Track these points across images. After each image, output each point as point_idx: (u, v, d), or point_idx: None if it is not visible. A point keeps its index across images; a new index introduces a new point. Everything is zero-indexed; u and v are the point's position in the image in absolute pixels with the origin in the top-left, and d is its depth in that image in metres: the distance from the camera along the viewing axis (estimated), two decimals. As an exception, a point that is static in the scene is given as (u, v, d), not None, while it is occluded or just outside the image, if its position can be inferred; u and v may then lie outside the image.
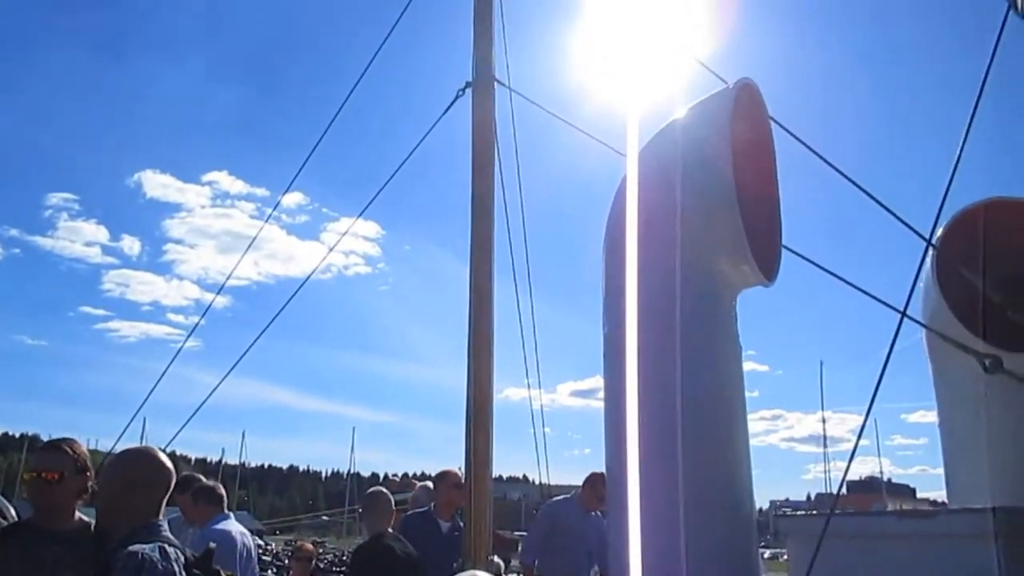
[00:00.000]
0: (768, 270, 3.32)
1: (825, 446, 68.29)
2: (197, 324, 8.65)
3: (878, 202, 3.89)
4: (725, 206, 3.05)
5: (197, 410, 5.92)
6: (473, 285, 5.51)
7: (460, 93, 5.47)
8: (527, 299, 6.44)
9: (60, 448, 3.09)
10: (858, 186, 3.89)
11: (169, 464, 2.92)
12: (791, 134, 3.92)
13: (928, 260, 4.19)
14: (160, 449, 3.12)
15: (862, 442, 3.76)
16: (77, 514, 3.15)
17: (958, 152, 3.39)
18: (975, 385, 4.02)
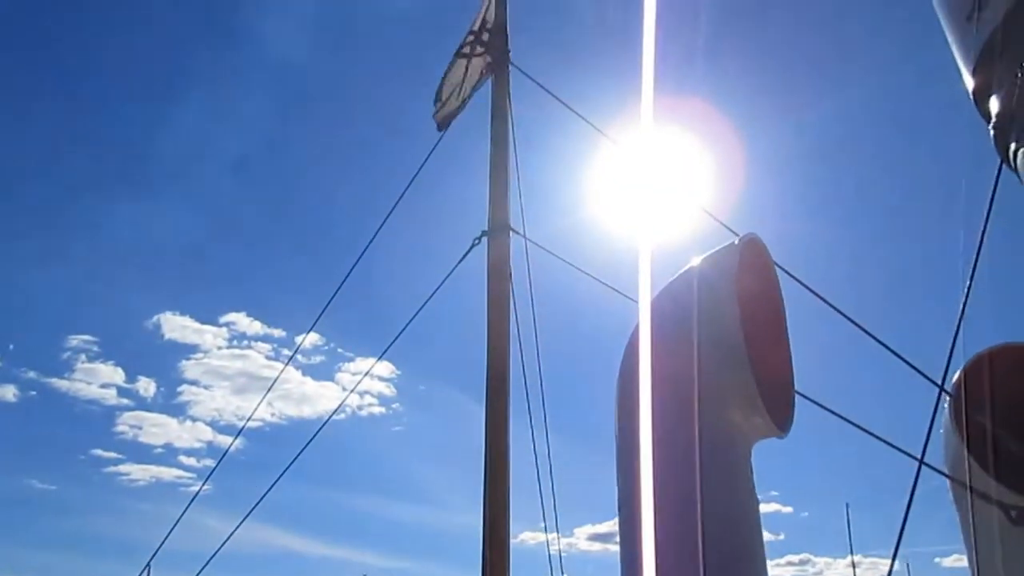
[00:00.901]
0: (782, 422, 3.32)
1: (857, 593, 64.86)
2: (211, 473, 8.68)
3: (889, 349, 3.92)
4: (735, 360, 3.10)
5: (207, 563, 5.82)
6: (488, 426, 5.51)
7: (476, 241, 5.67)
8: (543, 440, 6.40)
9: None
10: (869, 333, 3.95)
11: None
12: (800, 282, 4.02)
13: (945, 406, 4.17)
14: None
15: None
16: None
17: (963, 300, 3.45)
18: (1001, 534, 3.91)
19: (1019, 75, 3.30)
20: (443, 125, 6.85)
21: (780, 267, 3.81)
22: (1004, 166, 3.66)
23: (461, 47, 6.75)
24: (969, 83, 3.55)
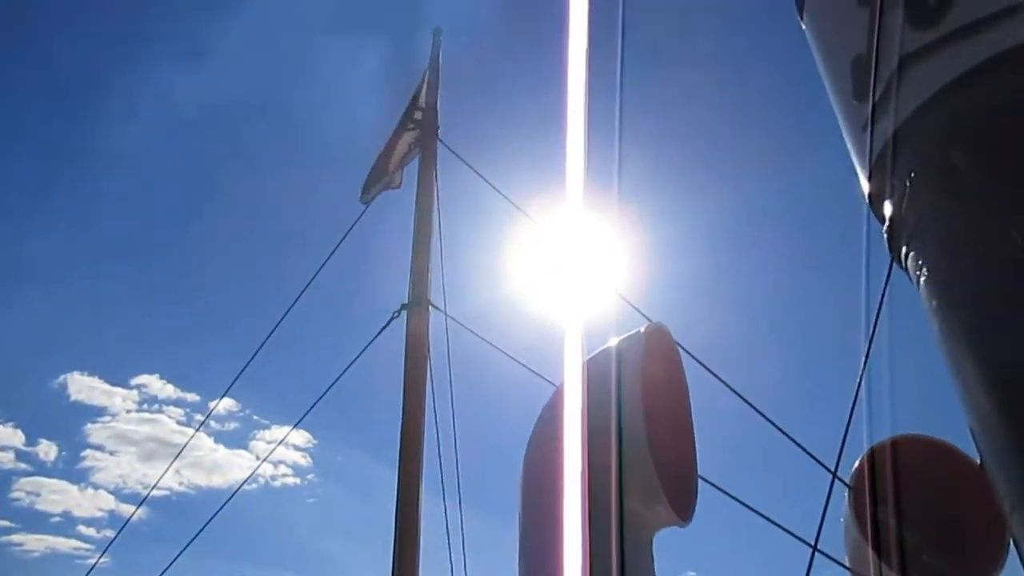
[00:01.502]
0: (683, 510, 3.35)
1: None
2: (109, 544, 8.24)
3: (787, 436, 4.03)
4: (636, 449, 3.13)
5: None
6: (400, 501, 5.44)
7: (395, 314, 5.68)
8: (457, 516, 6.32)
9: None
10: (769, 420, 4.05)
11: None
12: (706, 368, 4.12)
13: (845, 496, 4.28)
14: None
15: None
16: None
17: (855, 392, 3.58)
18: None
19: (908, 185, 3.54)
20: (367, 196, 6.90)
21: (688, 353, 3.90)
22: (895, 265, 3.88)
23: (401, 124, 6.87)
24: (865, 187, 3.78)
